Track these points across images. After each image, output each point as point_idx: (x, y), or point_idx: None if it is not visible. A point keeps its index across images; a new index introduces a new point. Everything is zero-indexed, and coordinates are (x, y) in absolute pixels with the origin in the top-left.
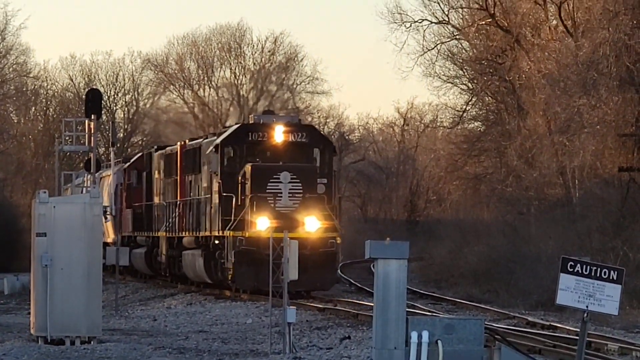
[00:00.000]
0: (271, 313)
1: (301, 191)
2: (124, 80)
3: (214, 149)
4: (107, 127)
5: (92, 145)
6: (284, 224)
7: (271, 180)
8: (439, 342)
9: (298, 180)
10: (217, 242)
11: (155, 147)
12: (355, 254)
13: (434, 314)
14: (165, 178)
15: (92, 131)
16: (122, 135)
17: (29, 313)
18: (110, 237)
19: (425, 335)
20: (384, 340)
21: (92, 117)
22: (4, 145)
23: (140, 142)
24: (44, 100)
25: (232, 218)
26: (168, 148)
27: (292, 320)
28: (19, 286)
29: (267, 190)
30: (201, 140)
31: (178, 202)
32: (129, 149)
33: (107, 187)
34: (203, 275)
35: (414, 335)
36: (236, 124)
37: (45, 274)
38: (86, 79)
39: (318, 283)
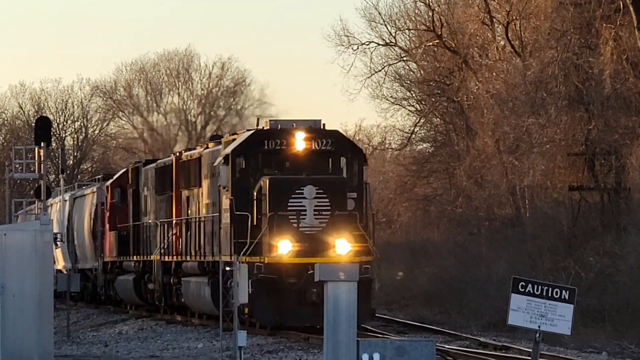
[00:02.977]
0: (222, 337)
1: (329, 208)
2: (73, 107)
3: (222, 160)
4: (56, 154)
5: (42, 172)
6: (309, 247)
7: (293, 196)
8: None
9: (325, 195)
10: (228, 268)
11: (144, 160)
12: None
13: (385, 336)
14: (157, 195)
15: (42, 158)
16: (71, 162)
17: None
18: (61, 264)
19: (376, 357)
20: None
21: (42, 145)
22: None
23: (89, 169)
24: None
25: (248, 241)
26: (160, 161)
27: (243, 344)
28: None
29: (289, 208)
30: (201, 149)
31: (175, 222)
32: (78, 176)
33: (57, 214)
34: (210, 307)
35: (365, 358)
36: (247, 130)
37: None
38: (35, 106)
39: None
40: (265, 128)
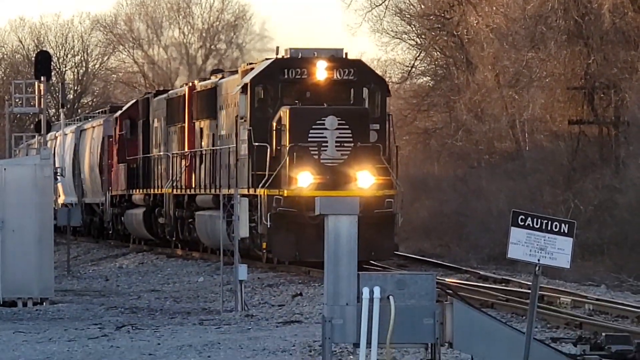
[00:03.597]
0: (223, 271)
1: (351, 139)
2: (73, 41)
3: (240, 89)
4: (56, 88)
5: (42, 106)
6: (330, 180)
7: (314, 127)
8: (391, 297)
9: (347, 126)
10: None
11: (154, 91)
12: None
13: (386, 270)
14: (168, 126)
15: (42, 93)
16: (72, 96)
17: None
18: (62, 198)
19: (376, 291)
20: (336, 297)
21: (42, 79)
22: None
23: (90, 103)
24: None
25: (267, 173)
26: (172, 91)
27: (244, 277)
28: None
29: (310, 139)
30: (216, 79)
31: (188, 153)
32: (79, 110)
33: (58, 148)
34: (225, 242)
35: (365, 291)
36: (266, 59)
37: None
38: (35, 40)
39: (373, 252)
40: (285, 57)
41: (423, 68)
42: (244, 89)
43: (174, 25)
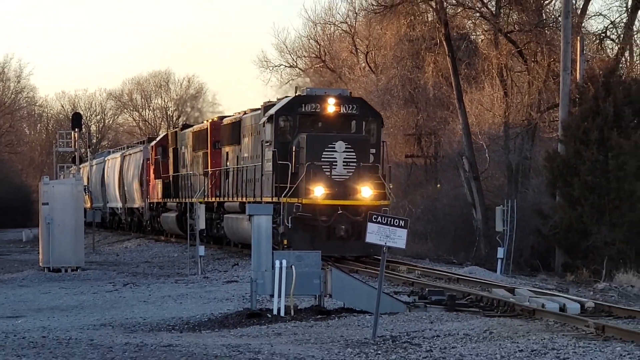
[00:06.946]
0: (189, 250)
1: (355, 160)
2: (96, 106)
3: (267, 119)
4: (85, 136)
5: (76, 147)
6: (338, 192)
7: (326, 149)
8: (293, 266)
9: (352, 150)
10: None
11: (181, 125)
12: None
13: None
14: (193, 152)
15: (76, 139)
16: (95, 141)
17: (38, 252)
18: (88, 204)
19: (284, 262)
20: (259, 266)
21: (76, 130)
22: (21, 148)
23: (106, 145)
24: (45, 119)
25: (288, 185)
26: (196, 126)
27: (202, 254)
28: (31, 236)
29: (323, 159)
30: (240, 115)
31: (215, 171)
32: (99, 150)
33: (87, 173)
34: (249, 239)
35: (277, 263)
36: (286, 96)
37: (48, 228)
38: (72, 105)
39: (371, 249)
40: (301, 95)
41: None
42: (269, 119)
43: (158, 96)
